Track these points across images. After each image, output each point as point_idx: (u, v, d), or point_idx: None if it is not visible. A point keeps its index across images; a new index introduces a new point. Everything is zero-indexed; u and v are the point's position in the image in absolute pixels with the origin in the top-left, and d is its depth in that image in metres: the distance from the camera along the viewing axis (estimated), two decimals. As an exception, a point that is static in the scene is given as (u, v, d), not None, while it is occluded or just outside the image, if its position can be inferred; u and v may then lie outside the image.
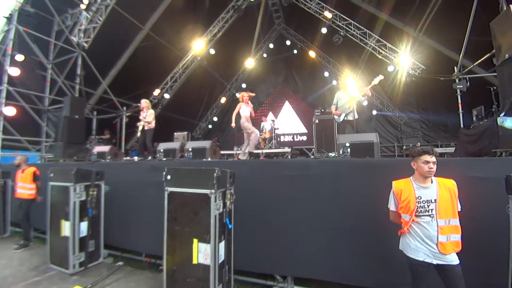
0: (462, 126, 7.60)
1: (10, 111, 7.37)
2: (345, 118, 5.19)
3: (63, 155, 6.96)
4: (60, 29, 8.74)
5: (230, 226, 2.88)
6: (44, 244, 4.22)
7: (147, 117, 6.36)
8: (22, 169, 4.88)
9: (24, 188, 4.75)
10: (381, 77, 5.01)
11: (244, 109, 5.78)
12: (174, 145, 5.60)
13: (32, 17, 7.77)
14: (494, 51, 4.34)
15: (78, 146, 7.53)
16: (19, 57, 7.53)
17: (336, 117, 5.33)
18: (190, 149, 5.11)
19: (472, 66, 7.58)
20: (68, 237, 3.69)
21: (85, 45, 8.65)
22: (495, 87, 5.26)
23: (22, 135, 7.93)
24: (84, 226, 3.83)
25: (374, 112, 12.69)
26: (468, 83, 7.51)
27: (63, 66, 8.81)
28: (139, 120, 6.48)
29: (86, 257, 3.82)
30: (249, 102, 5.84)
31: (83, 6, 8.13)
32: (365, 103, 11.11)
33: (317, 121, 6.16)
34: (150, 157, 6.11)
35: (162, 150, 5.50)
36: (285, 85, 15.05)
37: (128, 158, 7.44)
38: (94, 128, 9.80)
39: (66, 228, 3.74)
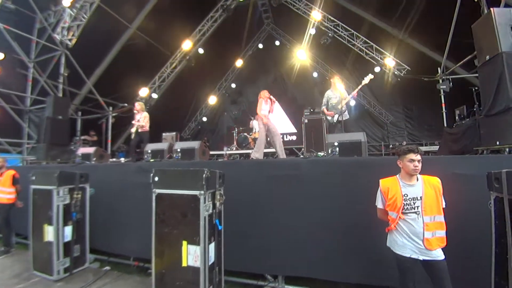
0: (445, 125, 7.84)
1: (-11, 111, 7.07)
2: (338, 118, 5.24)
3: (46, 157, 6.73)
4: (43, 26, 8.43)
5: (220, 227, 2.85)
6: (27, 250, 4.05)
7: (141, 120, 6.34)
8: (1, 172, 4.68)
9: (3, 192, 4.55)
10: (371, 76, 5.07)
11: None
12: (162, 145, 5.50)
13: (13, 14, 7.47)
14: (475, 52, 4.49)
15: (62, 147, 7.30)
16: (-1, 56, 7.24)
17: (329, 118, 5.36)
18: (178, 150, 5.03)
19: (454, 67, 7.83)
20: (51, 242, 3.55)
21: (69, 43, 8.38)
22: (476, 88, 5.46)
23: (2, 137, 7.63)
24: (68, 230, 3.70)
25: (362, 112, 12.90)
26: (451, 83, 7.77)
27: (46, 65, 8.51)
28: (125, 120, 6.39)
29: (71, 263, 3.69)
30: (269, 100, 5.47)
31: (66, 3, 7.87)
32: (353, 102, 11.30)
33: (306, 121, 6.20)
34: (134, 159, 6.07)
35: (149, 151, 5.40)
36: (274, 85, 15.09)
37: (114, 159, 7.27)
38: (78, 129, 9.51)
39: (49, 233, 3.60)
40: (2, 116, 7.53)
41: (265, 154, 6.83)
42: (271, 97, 5.53)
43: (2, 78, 7.48)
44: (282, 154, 5.35)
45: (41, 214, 3.70)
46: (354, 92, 5.20)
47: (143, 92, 11.34)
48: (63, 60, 8.63)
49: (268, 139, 5.53)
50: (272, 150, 7.88)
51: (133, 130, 6.46)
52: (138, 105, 6.69)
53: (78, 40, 8.39)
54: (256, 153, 5.26)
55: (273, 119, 5.57)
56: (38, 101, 8.35)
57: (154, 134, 8.57)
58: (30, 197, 3.86)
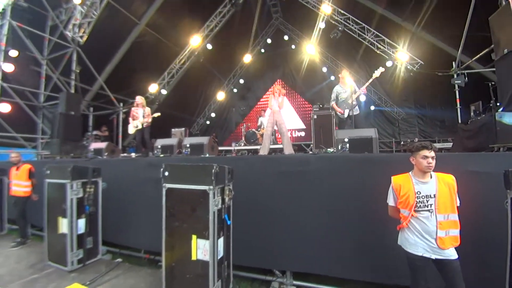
0: (459, 121, 7.62)
1: (5, 107, 7.28)
2: (349, 113, 5.14)
3: (60, 152, 6.91)
4: (55, 24, 8.59)
5: (229, 222, 2.87)
6: (42, 242, 4.19)
7: (146, 117, 6.11)
8: (17, 166, 4.83)
9: (19, 185, 4.71)
10: (382, 69, 4.94)
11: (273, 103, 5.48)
12: (171, 141, 5.57)
13: (26, 12, 7.62)
14: (492, 46, 4.33)
15: (75, 143, 7.48)
16: (13, 53, 7.40)
17: (339, 114, 5.28)
18: (187, 145, 5.08)
19: (470, 61, 7.57)
20: (66, 234, 3.67)
21: (80, 40, 8.52)
22: (493, 83, 5.27)
23: (17, 132, 7.84)
24: (81, 223, 3.81)
25: (372, 108, 12.69)
26: (466, 78, 7.52)
27: (58, 61, 8.69)
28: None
29: (84, 254, 3.80)
30: (277, 94, 5.39)
31: (77, 1, 7.97)
32: (363, 98, 11.10)
33: (315, 117, 6.12)
34: (150, 153, 6.04)
35: (159, 146, 5.47)
36: (283, 80, 14.98)
37: (125, 154, 7.39)
38: (90, 124, 9.72)
39: (63, 225, 3.72)
40: (17, 112, 7.75)
41: (273, 150, 6.81)
42: (278, 90, 5.45)
43: (17, 75, 7.67)
44: (288, 150, 5.30)
45: (56, 207, 3.82)
46: (365, 86, 5.09)
47: (153, 88, 11.44)
48: (74, 57, 8.79)
49: (277, 135, 5.51)
50: (280, 146, 7.86)
51: (135, 125, 6.12)
52: (139, 99, 6.29)
53: (89, 37, 8.51)
54: (261, 150, 5.29)
55: (282, 115, 5.48)
56: (51, 97, 8.55)
57: (163, 130, 8.69)
58: (45, 191, 3.99)
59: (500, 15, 3.94)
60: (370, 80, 5.07)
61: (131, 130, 6.25)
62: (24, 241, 4.71)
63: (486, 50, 6.40)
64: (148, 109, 6.29)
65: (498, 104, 4.41)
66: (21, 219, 4.73)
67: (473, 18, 6.47)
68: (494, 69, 4.63)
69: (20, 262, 3.95)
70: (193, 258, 2.58)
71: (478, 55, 7.03)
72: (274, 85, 5.53)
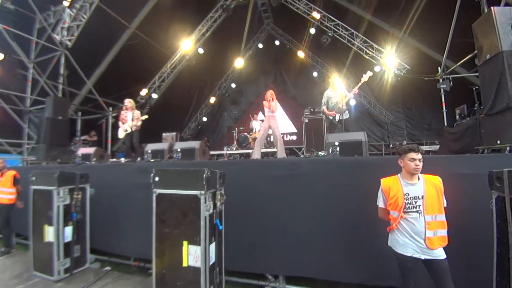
0: (445, 124, 7.84)
1: (-11, 112, 7.07)
2: (339, 118, 5.22)
3: (46, 157, 6.73)
4: (42, 26, 8.43)
5: (220, 227, 2.85)
6: (27, 251, 4.05)
7: (135, 120, 5.96)
8: (1, 172, 4.67)
9: (4, 192, 4.54)
10: (370, 73, 5.04)
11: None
12: (162, 146, 5.51)
13: (12, 14, 7.47)
14: (476, 52, 4.49)
15: (62, 148, 7.30)
16: (-2, 56, 7.23)
17: (330, 117, 5.34)
18: (179, 150, 5.03)
19: (455, 66, 7.83)
20: (52, 242, 3.55)
21: (69, 43, 8.37)
22: (477, 87, 5.46)
23: (2, 137, 7.62)
24: (68, 230, 3.70)
25: (362, 112, 12.88)
26: (451, 83, 7.77)
27: (46, 65, 8.51)
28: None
29: (72, 263, 3.68)
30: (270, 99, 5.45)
31: (66, 3, 7.86)
32: (353, 102, 11.29)
33: (306, 121, 6.20)
34: (139, 158, 5.95)
35: (150, 151, 5.40)
36: (274, 85, 15.08)
37: (114, 160, 7.26)
38: (78, 129, 9.51)
39: (49, 233, 3.60)
40: (2, 116, 7.53)
41: (265, 154, 6.82)
42: (272, 95, 5.49)
43: (2, 78, 7.47)
44: (281, 154, 5.33)
45: (42, 215, 3.70)
46: (355, 89, 5.18)
47: (143, 92, 11.33)
48: (62, 60, 8.62)
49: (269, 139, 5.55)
50: (272, 150, 7.88)
51: (125, 129, 5.99)
52: (128, 103, 6.10)
53: (78, 40, 8.37)
54: (253, 155, 5.30)
55: (276, 120, 5.53)
56: (38, 101, 8.34)
57: (154, 134, 8.59)
58: (30, 198, 3.86)
59: (482, 22, 4.09)
60: (359, 84, 5.17)
61: (121, 134, 6.12)
62: (8, 251, 4.54)
63: (470, 55, 6.63)
64: (137, 112, 6.13)
65: (481, 107, 4.56)
66: (5, 228, 4.56)
67: (457, 25, 6.72)
68: (477, 73, 4.79)
69: (4, 272, 3.79)
70: (184, 264, 2.55)
71: (462, 60, 7.29)
72: (267, 91, 5.54)
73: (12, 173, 4.65)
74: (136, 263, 3.90)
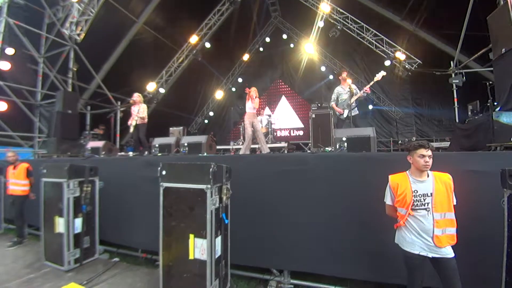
0: (457, 120, 7.65)
1: (2, 106, 7.25)
2: (348, 114, 5.15)
3: (57, 150, 6.87)
4: (51, 21, 8.54)
5: (226, 221, 2.87)
6: (39, 241, 4.17)
7: (141, 112, 6.15)
8: (14, 165, 4.80)
9: (17, 184, 4.68)
10: (383, 73, 4.93)
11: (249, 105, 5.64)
12: (169, 140, 5.55)
13: (23, 10, 7.59)
14: (490, 45, 4.34)
15: (72, 141, 7.44)
16: (10, 51, 7.36)
17: (338, 114, 5.28)
18: (185, 144, 5.06)
19: (468, 60, 7.60)
20: (62, 233, 3.65)
21: (78, 38, 8.47)
22: (491, 82, 5.29)
23: (14, 131, 7.80)
24: (78, 222, 3.79)
25: (370, 107, 12.71)
26: (464, 77, 7.54)
27: (55, 59, 8.64)
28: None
29: (81, 254, 3.79)
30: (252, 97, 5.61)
31: (74, -2, 7.93)
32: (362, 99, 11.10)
33: (313, 116, 6.12)
34: (146, 152, 6.03)
35: (157, 145, 5.45)
36: (281, 79, 14.97)
37: (122, 153, 7.36)
38: (88, 123, 9.66)
39: (60, 224, 3.70)
40: (14, 110, 7.70)
41: (271, 149, 6.81)
42: (255, 91, 5.60)
43: (13, 73, 7.62)
44: (265, 149, 5.47)
45: (52, 206, 3.80)
46: (366, 88, 5.08)
47: (151, 86, 11.40)
48: (72, 55, 8.74)
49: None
50: (278, 145, 7.86)
51: (133, 123, 6.17)
52: (137, 97, 6.30)
53: (86, 35, 8.47)
54: (242, 150, 5.37)
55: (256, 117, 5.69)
56: (48, 95, 8.51)
57: (161, 129, 8.67)
58: (41, 190, 3.96)
59: (498, 14, 3.95)
60: (372, 83, 5.08)
61: (131, 128, 6.31)
62: (21, 241, 4.69)
63: (484, 49, 6.41)
64: (143, 106, 6.29)
65: (495, 103, 4.43)
66: (19, 219, 4.70)
67: (471, 17, 6.49)
68: (491, 68, 4.64)
69: (16, 261, 3.92)
70: (191, 257, 2.58)
71: (476, 55, 7.06)
72: (250, 89, 5.56)
73: (25, 165, 4.77)
74: (143, 255, 3.97)
